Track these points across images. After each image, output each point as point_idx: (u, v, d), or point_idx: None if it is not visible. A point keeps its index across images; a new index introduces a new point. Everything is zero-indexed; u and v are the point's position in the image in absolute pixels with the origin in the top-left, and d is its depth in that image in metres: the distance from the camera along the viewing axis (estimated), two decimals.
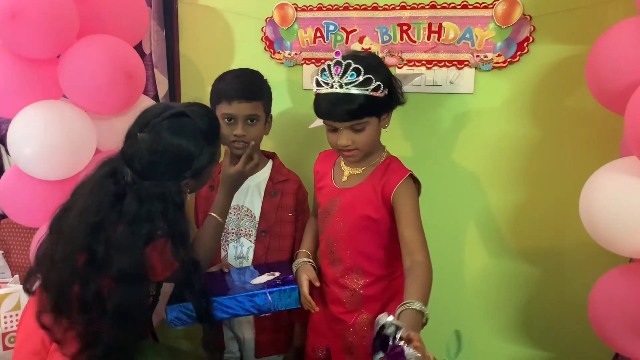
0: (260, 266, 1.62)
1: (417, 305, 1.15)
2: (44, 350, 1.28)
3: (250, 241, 1.68)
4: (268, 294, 1.38)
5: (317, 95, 1.34)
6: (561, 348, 1.76)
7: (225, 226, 1.68)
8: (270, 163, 1.73)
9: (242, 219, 1.69)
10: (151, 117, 1.30)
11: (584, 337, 1.64)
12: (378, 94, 1.28)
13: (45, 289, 1.26)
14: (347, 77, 1.27)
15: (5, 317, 1.76)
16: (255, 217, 1.67)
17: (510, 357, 1.84)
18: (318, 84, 1.32)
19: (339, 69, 1.28)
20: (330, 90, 1.29)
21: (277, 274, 1.48)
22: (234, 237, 1.70)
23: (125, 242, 1.22)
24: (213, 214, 1.48)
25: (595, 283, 1.39)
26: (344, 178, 1.43)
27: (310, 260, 1.51)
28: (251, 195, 1.69)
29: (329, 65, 1.30)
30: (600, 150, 1.59)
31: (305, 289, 1.42)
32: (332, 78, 1.29)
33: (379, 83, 1.27)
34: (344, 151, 1.36)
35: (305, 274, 1.45)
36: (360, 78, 1.26)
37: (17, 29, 1.50)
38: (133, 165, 1.27)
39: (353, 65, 1.26)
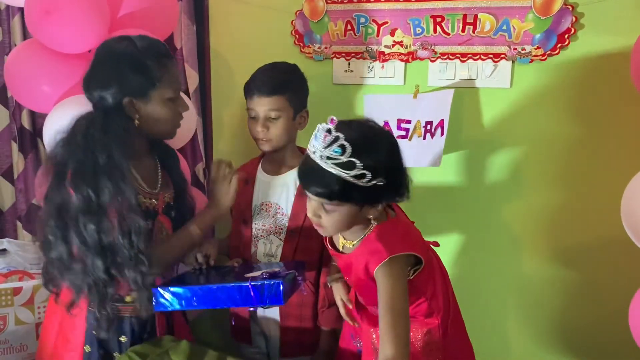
0: (270, 263, 1.59)
1: None
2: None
3: (280, 239, 1.66)
4: (251, 287, 1.31)
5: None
6: (599, 358, 1.70)
7: (255, 222, 1.68)
8: None
9: (273, 216, 1.67)
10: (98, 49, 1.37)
11: (623, 347, 1.57)
12: (360, 182, 1.08)
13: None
14: (330, 150, 1.07)
15: (38, 307, 1.79)
16: (286, 215, 1.66)
17: None
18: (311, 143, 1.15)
19: (327, 138, 1.08)
20: (311, 155, 1.12)
21: (277, 269, 1.42)
22: (264, 233, 1.69)
23: (84, 169, 1.25)
24: (197, 228, 1.42)
25: (637, 291, 1.33)
26: (339, 245, 1.33)
27: (341, 275, 1.43)
28: (284, 193, 1.67)
29: (320, 128, 1.11)
30: None
31: (342, 309, 1.43)
32: (317, 144, 1.10)
33: (363, 172, 1.07)
34: (313, 223, 1.22)
35: (339, 295, 1.44)
36: (343, 158, 1.06)
37: (51, 25, 1.53)
38: (89, 100, 1.34)
39: (340, 142, 1.07)
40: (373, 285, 1.23)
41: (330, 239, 1.37)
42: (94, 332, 1.35)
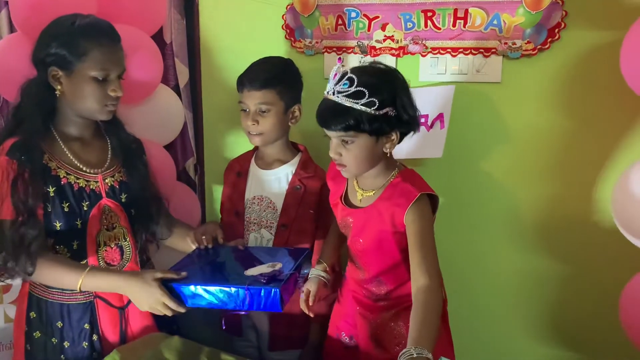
0: (275, 250, 1.57)
1: (414, 351, 1.08)
2: None
3: (271, 233, 1.67)
4: (247, 291, 1.28)
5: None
6: (591, 350, 1.70)
7: (247, 215, 1.68)
8: (298, 156, 1.70)
9: (265, 210, 1.67)
10: None
11: (614, 340, 1.58)
12: (370, 110, 1.19)
13: None
14: (340, 85, 1.20)
15: None
16: (277, 209, 1.66)
17: (539, 357, 1.79)
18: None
19: (337, 76, 1.21)
20: (326, 96, 1.25)
21: (278, 265, 1.38)
22: (255, 227, 1.69)
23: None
24: (88, 275, 1.31)
25: (627, 283, 1.33)
26: (357, 200, 1.38)
27: (323, 274, 1.46)
28: (276, 188, 1.67)
29: (332, 70, 1.25)
30: (636, 143, 1.52)
31: (303, 295, 1.43)
32: (330, 84, 1.23)
33: (373, 99, 1.18)
34: (336, 164, 1.31)
35: (308, 287, 1.43)
36: (352, 89, 1.18)
37: (36, 18, 1.50)
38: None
39: (348, 75, 1.20)
40: (392, 238, 1.29)
41: (346, 196, 1.41)
42: (30, 314, 1.38)
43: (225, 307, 1.31)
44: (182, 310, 1.30)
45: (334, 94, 1.21)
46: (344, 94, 1.19)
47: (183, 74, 2.06)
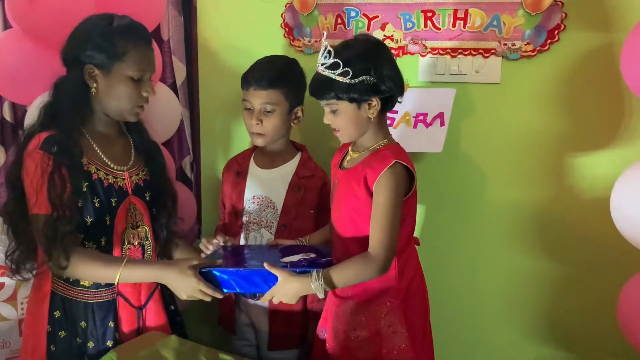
0: (302, 247, 1.55)
1: (313, 276, 1.24)
2: None
3: (271, 233, 1.66)
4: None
5: None
6: (587, 350, 1.71)
7: (247, 215, 1.67)
8: (298, 156, 1.69)
9: (265, 210, 1.67)
10: None
11: (611, 340, 1.59)
12: (345, 79, 1.28)
13: None
14: (322, 58, 1.30)
15: (21, 303, 1.77)
16: (277, 209, 1.65)
17: (535, 357, 1.79)
18: None
19: (322, 50, 1.31)
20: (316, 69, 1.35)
21: (312, 255, 1.40)
22: (255, 227, 1.68)
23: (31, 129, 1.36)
24: (126, 267, 1.30)
25: (625, 283, 1.34)
26: (346, 161, 1.43)
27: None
28: (276, 187, 1.66)
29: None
30: (635, 145, 1.52)
31: None
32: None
33: (347, 69, 1.27)
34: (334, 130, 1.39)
35: None
36: (329, 61, 1.28)
37: (34, 15, 1.49)
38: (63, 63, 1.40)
39: (328, 48, 1.29)
40: (365, 202, 1.32)
41: (342, 160, 1.46)
42: (54, 313, 1.36)
43: (264, 290, 1.31)
44: (219, 295, 1.31)
45: (318, 67, 1.32)
46: (324, 65, 1.29)
47: (180, 72, 2.05)
